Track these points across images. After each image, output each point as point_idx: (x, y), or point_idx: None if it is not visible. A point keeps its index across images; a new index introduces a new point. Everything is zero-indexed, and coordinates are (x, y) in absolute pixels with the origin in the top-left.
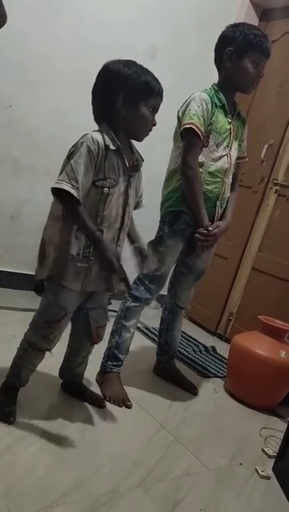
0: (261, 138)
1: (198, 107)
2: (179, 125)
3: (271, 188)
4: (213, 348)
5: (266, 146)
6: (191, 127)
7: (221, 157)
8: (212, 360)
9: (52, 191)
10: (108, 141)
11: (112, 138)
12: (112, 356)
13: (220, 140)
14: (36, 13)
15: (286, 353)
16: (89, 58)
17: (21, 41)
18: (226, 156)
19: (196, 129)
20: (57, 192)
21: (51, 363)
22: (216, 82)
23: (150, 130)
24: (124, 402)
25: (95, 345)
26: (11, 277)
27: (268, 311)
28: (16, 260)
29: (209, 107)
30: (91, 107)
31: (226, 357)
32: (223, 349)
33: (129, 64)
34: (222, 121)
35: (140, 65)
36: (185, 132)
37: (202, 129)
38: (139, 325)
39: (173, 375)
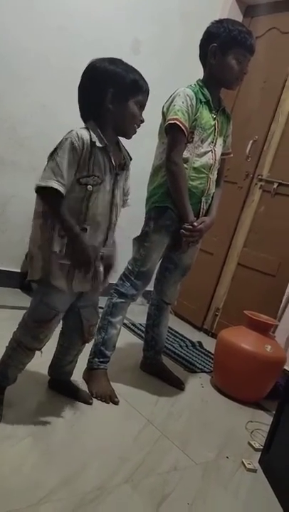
0: (246, 134)
1: (183, 102)
2: (163, 121)
3: (256, 183)
4: (200, 344)
5: (251, 141)
6: (175, 123)
7: (205, 153)
8: (199, 355)
9: (37, 189)
10: (94, 138)
11: (98, 135)
12: (98, 353)
13: (205, 136)
14: (23, 7)
15: (271, 347)
16: (75, 54)
17: (7, 36)
18: (210, 152)
19: (181, 125)
20: (42, 189)
21: (39, 360)
22: (200, 78)
23: (138, 127)
24: (111, 398)
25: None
26: None
27: (253, 306)
28: (1, 257)
29: (194, 102)
30: (77, 104)
31: (213, 352)
32: (209, 344)
33: (116, 62)
34: (207, 117)
35: (126, 63)
36: (169, 128)
37: (187, 125)
38: (125, 321)
39: (160, 370)
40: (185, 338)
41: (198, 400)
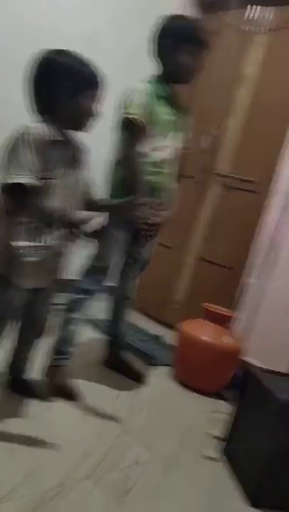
0: (203, 128)
1: (140, 97)
2: (120, 115)
3: (214, 178)
4: (160, 337)
5: (208, 136)
6: (132, 118)
7: (164, 147)
8: (159, 348)
9: (4, 187)
10: (47, 133)
11: (51, 129)
12: (58, 349)
13: (162, 131)
14: None
15: (229, 339)
16: (28, 45)
17: None
18: (169, 147)
19: (138, 120)
20: (10, 187)
21: None
22: (155, 74)
23: (93, 120)
24: (71, 394)
25: (42, 339)
26: None
27: (212, 298)
28: None
29: (151, 97)
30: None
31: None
32: (170, 338)
33: (69, 54)
34: (164, 111)
35: (79, 55)
36: (127, 123)
37: (143, 120)
38: (86, 317)
39: (121, 365)
40: (145, 331)
41: (159, 393)
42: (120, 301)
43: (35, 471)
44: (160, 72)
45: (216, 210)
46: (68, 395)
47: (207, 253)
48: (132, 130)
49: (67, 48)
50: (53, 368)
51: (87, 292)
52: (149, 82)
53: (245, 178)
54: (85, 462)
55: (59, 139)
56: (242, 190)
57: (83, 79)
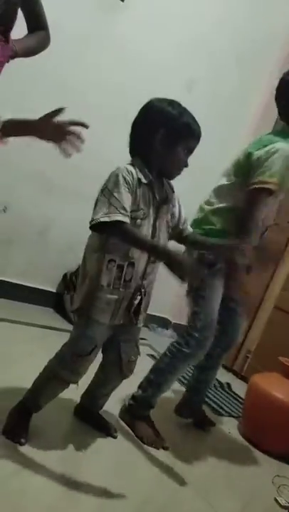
0: None
1: (282, 164)
2: (247, 165)
3: None
4: (229, 385)
5: None
6: (272, 188)
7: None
8: (227, 397)
9: (97, 225)
10: (140, 175)
11: (144, 171)
12: (146, 403)
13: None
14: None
15: None
16: (129, 91)
17: (59, 70)
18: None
19: (275, 189)
20: (105, 224)
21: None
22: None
23: (181, 171)
24: (161, 444)
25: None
26: (32, 293)
27: (286, 351)
28: (38, 276)
29: (287, 160)
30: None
31: (241, 396)
32: (238, 387)
33: (173, 104)
34: None
35: (184, 107)
36: (261, 189)
37: (278, 188)
38: (153, 352)
39: (197, 415)
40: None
41: (224, 446)
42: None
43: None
44: None
45: None
46: (158, 444)
47: (284, 302)
48: (264, 198)
49: (164, 95)
50: (139, 420)
51: (191, 357)
52: (284, 138)
53: None
54: (143, 511)
55: (149, 181)
56: None
57: (181, 129)
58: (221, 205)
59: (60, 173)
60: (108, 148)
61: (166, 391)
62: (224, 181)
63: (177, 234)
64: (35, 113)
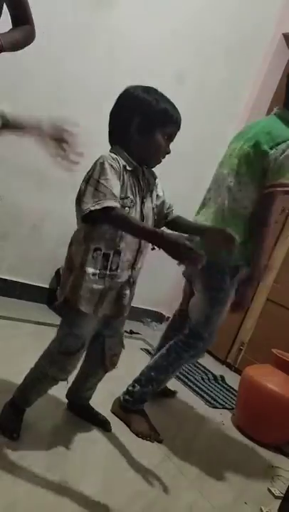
0: None
1: None
2: (261, 164)
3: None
4: (222, 378)
5: None
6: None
7: None
8: (220, 390)
9: (87, 214)
10: (123, 162)
11: (126, 159)
12: (141, 398)
13: None
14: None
15: None
16: (118, 80)
17: (55, 60)
18: None
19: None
20: (96, 212)
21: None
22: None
23: (163, 158)
24: (155, 437)
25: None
26: (25, 289)
27: (281, 344)
28: (31, 272)
29: None
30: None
31: (235, 388)
32: (232, 379)
33: (150, 90)
34: None
35: (160, 93)
36: (282, 190)
37: None
38: (148, 347)
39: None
40: (207, 370)
41: (217, 438)
42: None
43: (86, 504)
44: None
45: None
46: (152, 437)
47: (280, 296)
48: (277, 199)
49: (153, 84)
50: (132, 413)
51: (196, 357)
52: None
53: None
54: (137, 502)
55: (133, 168)
56: None
57: (158, 116)
58: (233, 206)
59: (53, 167)
60: (100, 141)
61: (162, 386)
62: (226, 175)
63: (162, 219)
64: (27, 106)
